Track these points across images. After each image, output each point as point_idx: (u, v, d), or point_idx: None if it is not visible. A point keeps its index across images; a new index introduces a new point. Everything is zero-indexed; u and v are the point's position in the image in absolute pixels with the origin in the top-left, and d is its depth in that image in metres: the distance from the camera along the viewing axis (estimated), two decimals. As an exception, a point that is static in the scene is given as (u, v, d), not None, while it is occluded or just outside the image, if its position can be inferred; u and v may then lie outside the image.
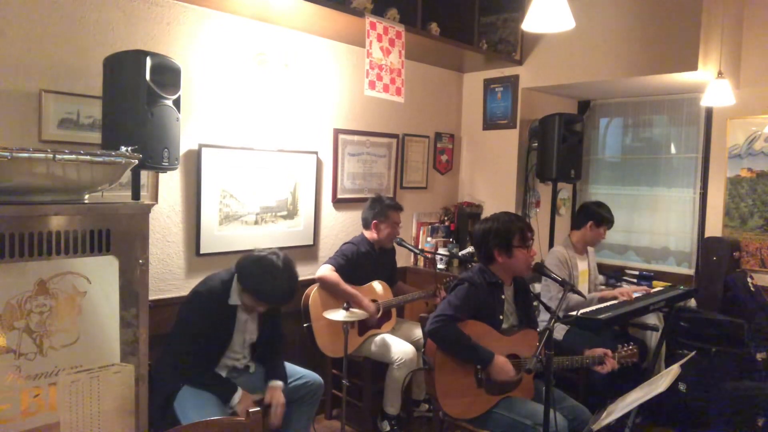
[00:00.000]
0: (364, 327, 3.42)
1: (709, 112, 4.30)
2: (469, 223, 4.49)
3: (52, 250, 1.64)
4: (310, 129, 3.63)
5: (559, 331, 3.32)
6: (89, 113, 2.61)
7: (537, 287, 3.73)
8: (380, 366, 3.37)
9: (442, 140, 4.61)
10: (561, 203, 4.79)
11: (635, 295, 3.56)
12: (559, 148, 4.08)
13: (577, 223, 3.71)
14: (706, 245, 4.15)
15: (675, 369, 2.13)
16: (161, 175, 2.93)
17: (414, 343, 3.40)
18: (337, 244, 3.66)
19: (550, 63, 4.20)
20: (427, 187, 4.53)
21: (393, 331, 3.54)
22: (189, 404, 2.45)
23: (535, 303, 2.88)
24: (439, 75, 4.53)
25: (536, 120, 4.34)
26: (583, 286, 3.64)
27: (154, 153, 2.28)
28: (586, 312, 3.27)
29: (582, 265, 3.66)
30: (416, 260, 4.40)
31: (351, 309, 2.79)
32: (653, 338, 3.82)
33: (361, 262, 3.43)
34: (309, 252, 3.70)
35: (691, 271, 4.42)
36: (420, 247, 4.33)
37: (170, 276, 3.04)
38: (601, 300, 3.55)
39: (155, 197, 2.92)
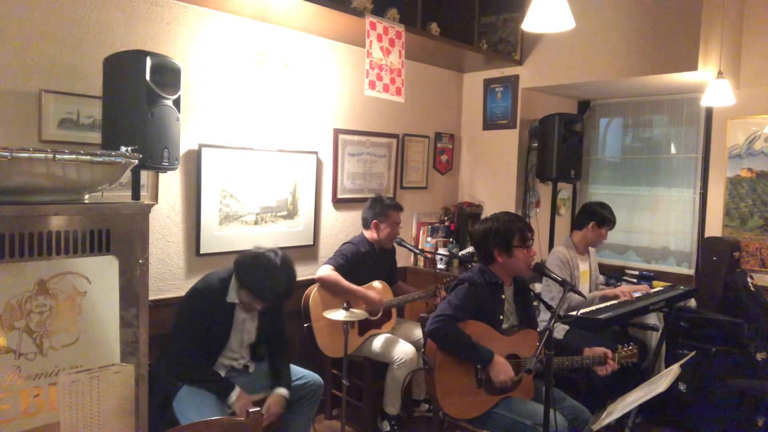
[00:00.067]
0: (364, 327, 3.42)
1: (709, 112, 4.30)
2: (469, 223, 4.49)
3: (52, 250, 1.64)
4: (310, 129, 3.63)
5: (559, 331, 3.32)
6: (89, 113, 2.62)
7: (537, 287, 3.73)
8: (380, 366, 3.37)
9: (442, 140, 4.61)
10: (561, 203, 4.79)
11: (635, 294, 3.56)
12: (559, 148, 4.08)
13: (578, 224, 3.71)
14: (706, 245, 4.15)
15: (675, 369, 2.13)
16: (161, 175, 2.93)
17: (414, 343, 3.40)
18: (337, 244, 3.66)
19: (550, 63, 4.20)
20: (427, 187, 4.53)
21: (393, 331, 3.54)
22: (188, 404, 2.45)
23: (535, 303, 2.88)
24: (439, 75, 4.53)
25: (536, 120, 4.34)
26: (584, 286, 3.64)
27: (154, 153, 2.28)
28: (586, 312, 3.27)
29: (583, 266, 3.65)
30: (416, 260, 4.40)
31: (351, 309, 2.79)
32: (653, 338, 3.82)
33: (360, 262, 3.43)
34: (309, 252, 3.70)
35: (691, 271, 4.42)
36: (420, 247, 4.33)
37: (170, 276, 3.04)
38: (603, 299, 3.55)
39: (155, 197, 2.92)
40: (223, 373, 2.66)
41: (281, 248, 2.69)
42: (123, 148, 1.86)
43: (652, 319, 3.81)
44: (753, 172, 4.09)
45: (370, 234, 3.53)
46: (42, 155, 1.55)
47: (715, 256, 4.01)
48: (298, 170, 3.55)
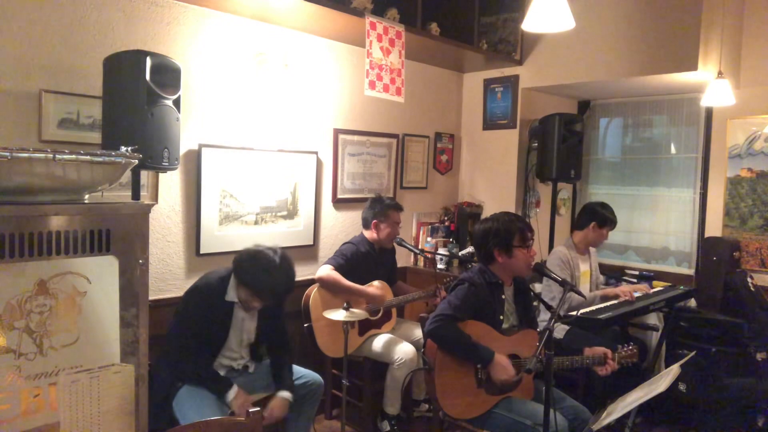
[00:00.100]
0: (365, 327, 3.43)
1: (709, 112, 4.30)
2: (469, 223, 4.49)
3: (52, 250, 1.64)
4: (310, 129, 3.63)
5: (560, 331, 3.32)
6: (89, 113, 2.62)
7: (537, 287, 3.73)
8: (380, 366, 3.37)
9: (442, 140, 4.61)
10: (561, 203, 4.79)
11: (636, 294, 3.56)
12: (559, 148, 4.08)
13: (579, 224, 3.71)
14: (706, 245, 4.15)
15: (675, 369, 2.13)
16: (161, 175, 2.93)
17: (414, 343, 3.40)
18: (337, 244, 3.66)
19: (550, 63, 4.20)
20: (427, 187, 4.53)
21: (393, 331, 3.54)
22: (188, 404, 2.44)
23: (535, 303, 2.88)
24: (439, 75, 4.53)
25: (536, 120, 4.34)
26: (584, 286, 3.64)
27: (154, 153, 2.28)
28: (586, 312, 3.27)
29: (584, 266, 3.65)
30: (416, 260, 4.40)
31: (351, 309, 2.79)
32: (653, 338, 3.82)
33: (360, 262, 3.43)
34: (309, 252, 3.70)
35: (691, 271, 4.42)
36: (420, 247, 4.33)
37: (170, 276, 3.04)
38: (603, 298, 3.55)
39: (155, 197, 2.92)
40: (222, 374, 2.65)
41: (281, 248, 2.69)
42: (123, 148, 1.86)
43: (652, 319, 3.81)
44: (753, 172, 4.09)
45: (370, 234, 3.53)
46: (42, 155, 1.55)
47: (715, 256, 4.01)
48: (298, 170, 3.55)
